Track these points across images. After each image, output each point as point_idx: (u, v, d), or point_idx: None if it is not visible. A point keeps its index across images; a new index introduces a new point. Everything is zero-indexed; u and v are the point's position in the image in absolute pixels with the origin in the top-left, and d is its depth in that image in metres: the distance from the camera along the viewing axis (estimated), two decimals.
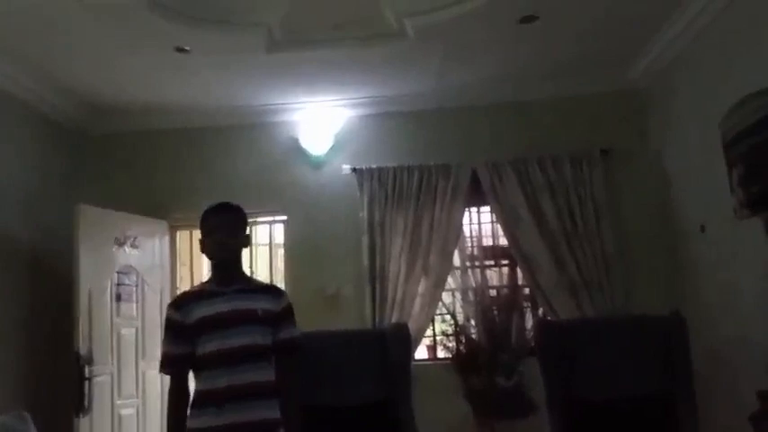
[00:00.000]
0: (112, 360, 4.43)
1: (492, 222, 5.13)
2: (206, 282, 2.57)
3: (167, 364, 2.41)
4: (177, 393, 2.39)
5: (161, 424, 4.42)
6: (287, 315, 2.51)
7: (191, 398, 2.39)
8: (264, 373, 2.39)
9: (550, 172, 4.91)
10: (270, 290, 2.58)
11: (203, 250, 2.52)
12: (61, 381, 4.18)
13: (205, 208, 2.52)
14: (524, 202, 4.87)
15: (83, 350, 4.15)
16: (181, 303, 2.45)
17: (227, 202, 2.55)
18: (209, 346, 2.34)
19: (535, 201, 4.89)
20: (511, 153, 4.94)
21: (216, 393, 2.31)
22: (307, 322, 4.59)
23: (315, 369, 3.99)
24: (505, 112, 5.07)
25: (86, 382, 4.14)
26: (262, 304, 2.44)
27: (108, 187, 4.98)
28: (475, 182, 4.93)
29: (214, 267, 2.53)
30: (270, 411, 2.37)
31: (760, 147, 3.25)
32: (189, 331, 2.37)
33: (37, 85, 4.42)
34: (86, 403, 4.11)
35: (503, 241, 5.04)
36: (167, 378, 2.46)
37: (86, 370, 4.15)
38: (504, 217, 4.91)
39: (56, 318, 4.31)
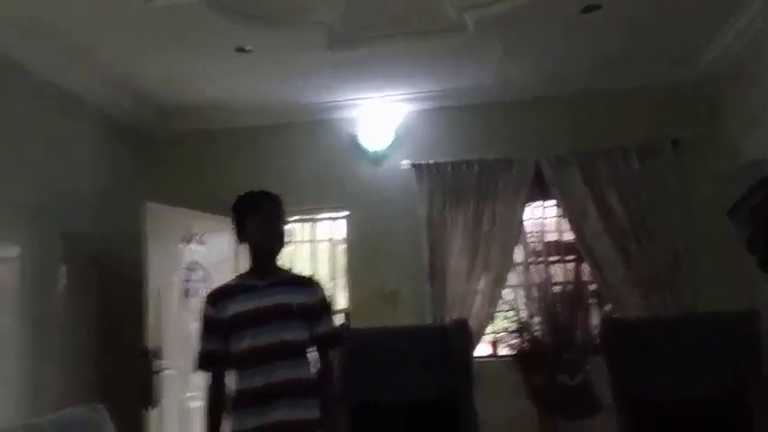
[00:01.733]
0: (180, 354, 4.55)
1: (556, 217, 5.02)
2: (242, 274, 2.49)
3: (202, 362, 2.37)
4: (214, 391, 2.35)
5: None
6: (323, 307, 2.44)
7: (229, 396, 2.35)
8: (302, 371, 2.33)
9: (617, 164, 4.77)
10: (305, 282, 2.49)
11: (245, 237, 2.42)
12: (131, 374, 4.31)
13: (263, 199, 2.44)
14: (590, 196, 4.74)
15: (151, 345, 4.27)
16: (216, 298, 2.39)
17: (268, 192, 2.47)
18: (243, 343, 2.29)
19: (601, 195, 4.75)
20: (576, 146, 4.82)
21: (253, 393, 2.27)
22: (366, 319, 4.65)
23: (375, 365, 3.99)
24: (569, 103, 4.94)
25: (155, 376, 4.27)
26: (297, 298, 2.37)
27: (173, 186, 5.10)
28: (538, 176, 4.84)
29: (256, 257, 2.43)
30: (306, 411, 2.30)
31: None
32: (224, 327, 2.32)
33: (104, 87, 4.57)
34: (155, 397, 4.23)
35: (567, 236, 4.92)
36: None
37: (155, 364, 4.28)
38: (570, 211, 4.80)
39: (124, 313, 4.45)
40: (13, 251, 3.69)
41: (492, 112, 5.03)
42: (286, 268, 2.58)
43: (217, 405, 2.34)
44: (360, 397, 3.88)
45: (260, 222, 2.39)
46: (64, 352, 4.03)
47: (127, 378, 4.32)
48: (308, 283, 2.49)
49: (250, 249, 2.45)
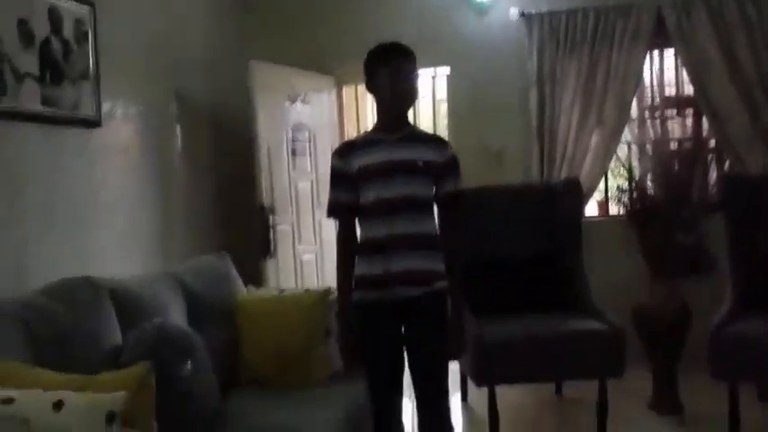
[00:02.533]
0: (292, 210, 4.75)
1: (676, 68, 4.70)
2: (371, 130, 2.52)
3: (332, 210, 2.46)
4: (343, 239, 2.45)
5: None
6: (451, 167, 2.42)
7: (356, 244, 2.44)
8: (425, 225, 2.38)
9: (749, 8, 4.35)
10: (434, 140, 2.49)
11: (374, 90, 2.43)
12: (249, 227, 4.56)
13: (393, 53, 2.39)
14: (716, 44, 4.38)
15: (266, 201, 4.46)
16: (344, 152, 2.44)
17: (403, 45, 2.41)
18: (369, 194, 2.35)
19: (729, 42, 4.39)
20: None
21: (376, 242, 2.34)
22: (471, 178, 4.54)
23: (484, 222, 4.03)
24: None
25: (271, 230, 4.49)
26: (423, 155, 2.37)
27: (276, 43, 5.06)
28: (659, 22, 4.48)
29: (382, 113, 2.45)
30: (429, 262, 2.36)
31: None
32: (352, 179, 2.38)
33: None
34: (272, 248, 4.48)
35: (688, 89, 4.62)
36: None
37: (270, 219, 4.49)
38: (692, 61, 4.47)
39: (239, 171, 4.63)
40: (132, 110, 3.83)
41: None
42: (415, 126, 2.56)
43: (346, 252, 2.43)
44: (467, 252, 3.95)
45: (389, 77, 2.35)
46: (186, 207, 4.25)
47: (246, 230, 4.57)
48: (437, 141, 2.48)
49: (378, 103, 2.45)
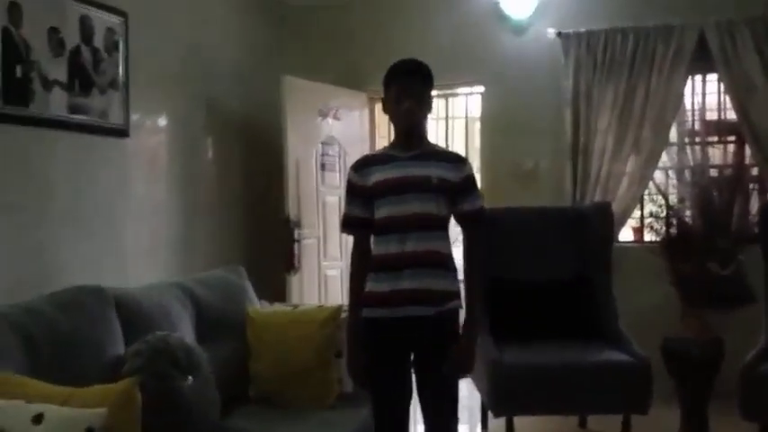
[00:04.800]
0: (318, 225, 4.72)
1: (719, 93, 4.53)
2: (387, 146, 2.51)
3: (346, 225, 2.44)
4: (357, 255, 2.42)
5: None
6: (468, 184, 2.37)
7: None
8: (437, 243, 2.31)
9: None
10: (450, 157, 2.42)
11: (386, 111, 2.43)
12: (274, 240, 4.54)
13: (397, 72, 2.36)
14: (761, 69, 4.22)
15: (292, 215, 4.45)
16: (360, 166, 2.42)
17: (416, 62, 2.38)
18: (381, 211, 2.31)
19: None
20: (748, 9, 4.25)
21: (386, 259, 2.30)
22: (502, 198, 4.54)
23: (510, 244, 3.94)
24: None
25: (296, 244, 4.47)
26: (438, 172, 2.31)
27: (309, 58, 5.07)
28: (701, 45, 4.34)
29: (395, 130, 2.44)
30: (440, 281, 2.30)
31: None
32: (366, 193, 2.35)
33: None
34: (296, 263, 4.45)
35: (730, 115, 4.45)
36: None
37: (296, 233, 4.47)
38: (735, 86, 4.30)
39: (267, 183, 4.64)
40: (162, 121, 3.87)
41: None
42: (433, 143, 2.52)
43: (358, 266, 2.41)
44: (493, 273, 3.86)
45: (394, 97, 2.34)
46: (212, 217, 4.27)
47: (271, 243, 4.57)
48: (454, 159, 2.42)
49: (390, 120, 2.45)
